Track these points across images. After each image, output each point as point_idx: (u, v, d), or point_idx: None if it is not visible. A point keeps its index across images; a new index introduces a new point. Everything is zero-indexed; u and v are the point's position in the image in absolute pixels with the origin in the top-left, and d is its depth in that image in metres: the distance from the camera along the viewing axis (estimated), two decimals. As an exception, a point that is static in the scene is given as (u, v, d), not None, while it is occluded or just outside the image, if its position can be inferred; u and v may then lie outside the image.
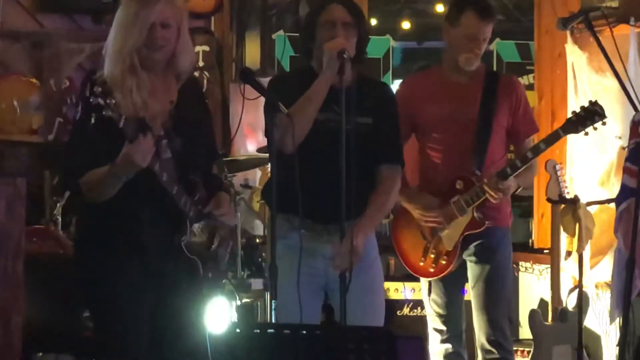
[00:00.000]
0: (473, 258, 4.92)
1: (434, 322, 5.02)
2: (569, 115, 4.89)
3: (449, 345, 4.97)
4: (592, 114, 4.73)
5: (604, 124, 4.75)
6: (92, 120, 3.59)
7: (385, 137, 4.32)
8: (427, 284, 5.02)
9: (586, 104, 4.79)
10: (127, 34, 3.77)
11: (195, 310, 3.99)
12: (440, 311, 4.98)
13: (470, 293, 4.97)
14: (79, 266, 3.90)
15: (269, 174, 4.20)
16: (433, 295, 4.99)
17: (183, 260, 3.87)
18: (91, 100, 3.54)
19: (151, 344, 3.85)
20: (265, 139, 4.26)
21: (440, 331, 4.99)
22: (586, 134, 4.79)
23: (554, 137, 4.84)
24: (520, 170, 4.76)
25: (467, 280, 4.99)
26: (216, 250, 4.02)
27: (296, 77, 4.41)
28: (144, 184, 3.73)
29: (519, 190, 4.96)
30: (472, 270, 4.93)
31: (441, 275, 4.92)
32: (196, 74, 7.00)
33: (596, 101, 4.78)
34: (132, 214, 3.79)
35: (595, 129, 4.76)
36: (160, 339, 3.88)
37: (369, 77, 4.52)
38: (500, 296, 4.92)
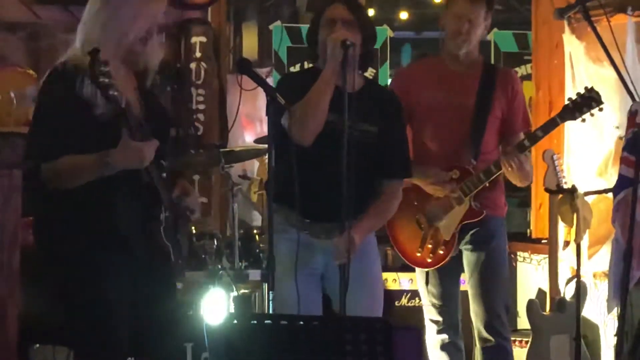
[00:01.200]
0: (469, 246, 4.92)
1: (429, 313, 5.02)
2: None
3: (445, 336, 4.97)
4: (588, 100, 4.74)
5: (600, 109, 4.75)
6: (98, 100, 3.56)
7: (392, 150, 4.34)
8: (423, 275, 5.02)
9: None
10: (130, 25, 3.75)
11: (170, 297, 3.97)
12: (436, 302, 4.98)
13: (467, 282, 4.97)
14: (57, 260, 3.78)
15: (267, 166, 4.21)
16: (430, 286, 5.00)
17: (157, 246, 3.82)
18: (100, 79, 3.54)
19: (131, 333, 3.80)
20: (266, 131, 4.26)
21: (436, 322, 4.99)
22: (583, 120, 4.79)
23: (551, 125, 4.83)
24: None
25: (463, 271, 4.99)
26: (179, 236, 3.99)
27: (304, 76, 4.40)
28: (121, 173, 3.68)
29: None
30: (467, 258, 4.94)
31: (439, 265, 4.92)
32: (193, 65, 7.01)
33: (592, 87, 4.78)
34: (107, 202, 3.72)
35: (592, 115, 4.76)
36: (139, 326, 3.83)
37: (376, 84, 4.53)
38: (496, 283, 4.93)
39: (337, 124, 4.06)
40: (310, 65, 4.51)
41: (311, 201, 4.07)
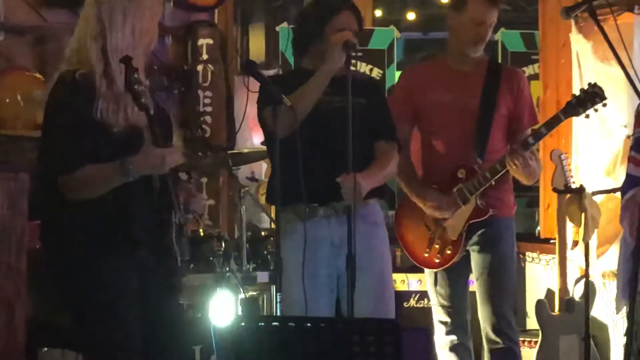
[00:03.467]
0: (476, 247, 4.91)
1: (438, 314, 5.02)
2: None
3: (454, 337, 4.97)
4: (592, 96, 4.72)
5: (604, 105, 4.74)
6: (113, 120, 3.60)
7: (380, 116, 4.42)
8: (432, 276, 5.01)
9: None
10: (143, 30, 3.76)
11: (178, 300, 4.00)
12: (445, 302, 4.97)
13: (475, 283, 4.96)
14: (66, 264, 3.76)
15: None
16: (438, 287, 4.99)
17: (166, 250, 3.81)
18: (136, 87, 3.54)
19: (140, 338, 3.80)
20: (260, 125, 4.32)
21: (444, 323, 4.98)
22: (587, 116, 4.78)
23: (555, 121, 4.82)
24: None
25: (471, 271, 4.98)
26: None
27: (296, 76, 4.41)
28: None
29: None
30: (475, 260, 4.92)
31: (447, 265, 4.91)
32: (200, 67, 7.01)
33: (595, 83, 4.76)
34: (119, 205, 3.72)
35: (596, 110, 4.75)
36: (147, 329, 3.82)
37: (357, 71, 4.59)
38: (504, 285, 4.92)
39: (324, 103, 4.16)
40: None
41: (317, 184, 4.09)
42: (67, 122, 3.66)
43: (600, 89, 4.72)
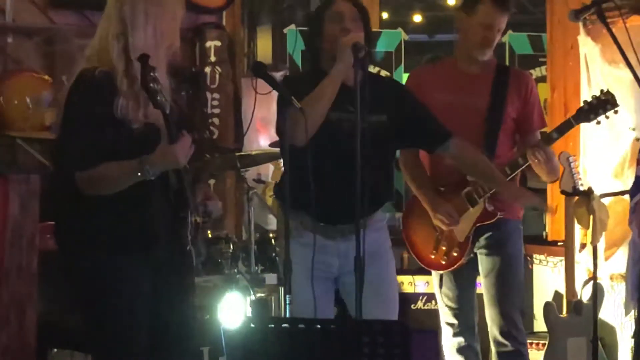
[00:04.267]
0: (484, 250, 4.92)
1: (445, 316, 5.02)
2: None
3: (461, 339, 4.97)
4: (604, 103, 4.73)
5: (616, 112, 4.75)
6: (132, 116, 3.61)
7: (425, 122, 4.41)
8: (438, 277, 5.01)
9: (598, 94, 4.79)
10: (165, 32, 3.76)
11: (190, 300, 3.97)
12: (452, 304, 4.98)
13: (482, 286, 4.96)
14: (80, 265, 3.77)
15: (282, 169, 4.19)
16: (444, 289, 5.00)
17: (181, 249, 3.83)
18: (152, 85, 3.55)
19: (150, 337, 3.81)
20: (277, 135, 4.26)
21: (451, 325, 4.99)
22: (598, 123, 4.78)
23: (566, 126, 4.83)
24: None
25: (479, 274, 4.98)
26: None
27: (308, 76, 4.37)
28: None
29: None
30: (482, 262, 4.93)
31: (453, 267, 4.92)
32: (208, 69, 7.02)
33: (608, 90, 4.77)
34: (136, 205, 3.73)
35: (607, 117, 4.75)
36: (157, 329, 3.83)
37: (375, 74, 4.53)
38: (511, 288, 4.92)
39: (345, 122, 4.05)
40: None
41: (325, 204, 4.06)
42: (85, 119, 3.67)
43: (612, 95, 4.72)
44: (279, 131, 4.13)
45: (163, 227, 3.79)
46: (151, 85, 3.54)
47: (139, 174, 3.63)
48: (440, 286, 5.01)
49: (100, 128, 3.65)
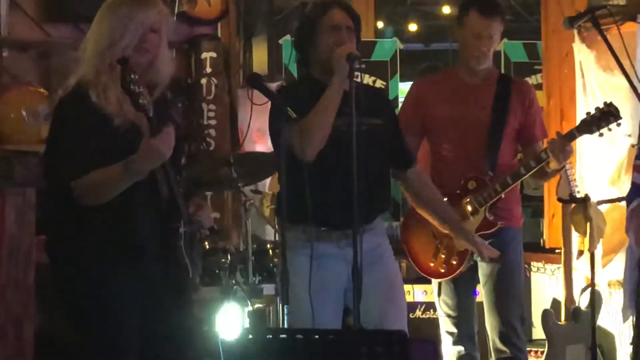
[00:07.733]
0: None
1: (445, 325, 5.02)
2: (578, 114, 4.90)
3: (461, 348, 4.96)
4: (607, 115, 4.70)
5: (618, 125, 4.72)
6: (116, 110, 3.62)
7: (400, 139, 4.40)
8: (437, 286, 5.01)
9: (595, 103, 4.80)
10: (119, 34, 3.74)
11: (187, 312, 3.96)
12: (451, 312, 4.97)
13: (482, 293, 4.96)
14: (71, 279, 3.77)
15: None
16: (443, 297, 4.99)
17: (176, 261, 3.81)
18: (131, 87, 3.55)
19: (146, 353, 3.80)
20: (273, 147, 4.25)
21: (451, 333, 4.98)
22: (600, 135, 4.77)
23: (569, 138, 4.82)
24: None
25: (478, 282, 4.98)
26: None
27: (302, 86, 4.38)
28: (141, 187, 3.69)
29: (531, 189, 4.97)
30: (482, 270, 4.93)
31: (452, 276, 4.92)
32: (204, 80, 7.03)
33: (611, 102, 4.74)
34: (127, 217, 3.72)
35: (609, 129, 4.74)
36: (155, 342, 3.82)
37: (363, 83, 4.54)
38: (511, 295, 4.92)
39: (344, 126, 4.00)
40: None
41: (327, 210, 4.06)
42: (68, 129, 3.70)
43: (616, 108, 4.70)
44: (275, 143, 4.12)
45: (152, 239, 3.77)
46: (132, 87, 3.54)
47: (127, 175, 3.63)
48: (440, 294, 5.01)
49: (85, 134, 3.66)
